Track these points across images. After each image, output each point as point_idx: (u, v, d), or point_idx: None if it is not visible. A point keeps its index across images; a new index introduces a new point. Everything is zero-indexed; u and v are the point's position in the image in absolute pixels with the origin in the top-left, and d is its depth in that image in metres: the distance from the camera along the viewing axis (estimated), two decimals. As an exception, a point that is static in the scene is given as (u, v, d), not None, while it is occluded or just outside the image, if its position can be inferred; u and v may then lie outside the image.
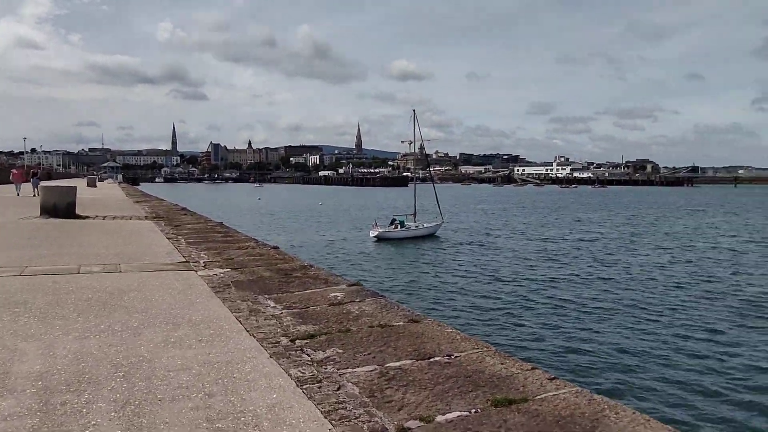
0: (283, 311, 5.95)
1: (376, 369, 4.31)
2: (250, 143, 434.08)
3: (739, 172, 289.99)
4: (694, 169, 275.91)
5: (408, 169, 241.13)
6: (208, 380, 3.94)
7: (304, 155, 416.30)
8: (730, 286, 24.64)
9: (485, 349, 4.90)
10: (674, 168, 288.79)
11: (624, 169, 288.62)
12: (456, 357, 4.64)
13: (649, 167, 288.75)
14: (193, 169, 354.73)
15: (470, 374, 4.27)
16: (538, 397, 3.92)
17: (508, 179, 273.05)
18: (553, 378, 4.40)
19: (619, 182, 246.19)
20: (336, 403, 3.65)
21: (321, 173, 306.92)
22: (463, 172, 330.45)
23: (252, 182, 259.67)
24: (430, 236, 44.27)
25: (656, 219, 65.45)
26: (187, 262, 9.06)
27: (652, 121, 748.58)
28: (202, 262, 9.05)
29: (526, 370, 4.45)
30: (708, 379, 13.50)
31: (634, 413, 3.96)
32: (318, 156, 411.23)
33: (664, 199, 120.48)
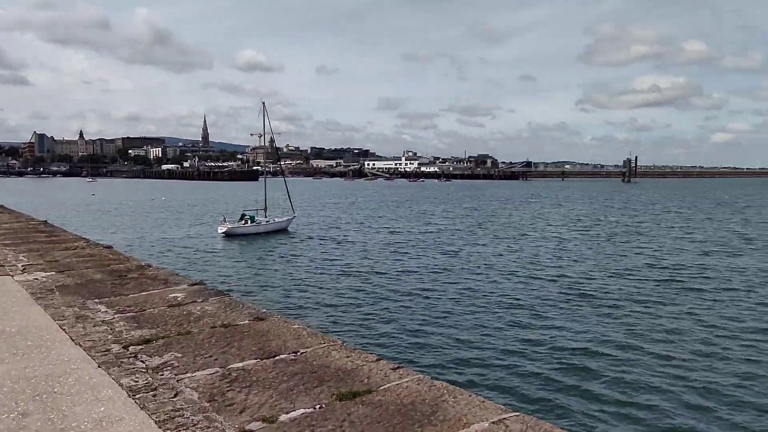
0: (116, 316, 5.52)
1: (217, 371, 4.13)
2: (81, 134, 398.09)
3: (566, 166, 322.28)
4: (528, 164, 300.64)
5: (258, 163, 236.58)
6: (24, 398, 3.53)
7: (145, 147, 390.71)
8: (557, 273, 27.16)
9: (331, 344, 4.91)
10: (511, 163, 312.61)
11: (467, 163, 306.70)
12: (302, 353, 4.60)
13: (489, 162, 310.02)
14: (14, 161, 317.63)
15: (316, 370, 4.25)
16: (382, 387, 4.00)
17: (359, 173, 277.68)
18: (397, 367, 4.52)
19: (462, 176, 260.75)
20: (172, 411, 3.44)
21: (164, 167, 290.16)
22: (314, 165, 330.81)
23: (84, 176, 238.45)
24: (282, 231, 43.80)
25: (494, 210, 70.39)
26: (1, 266, 8.07)
27: (491, 118, 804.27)
28: (20, 265, 8.12)
29: (371, 361, 4.52)
30: (537, 360, 14.76)
31: (470, 396, 4.19)
32: (160, 148, 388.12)
33: (502, 192, 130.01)
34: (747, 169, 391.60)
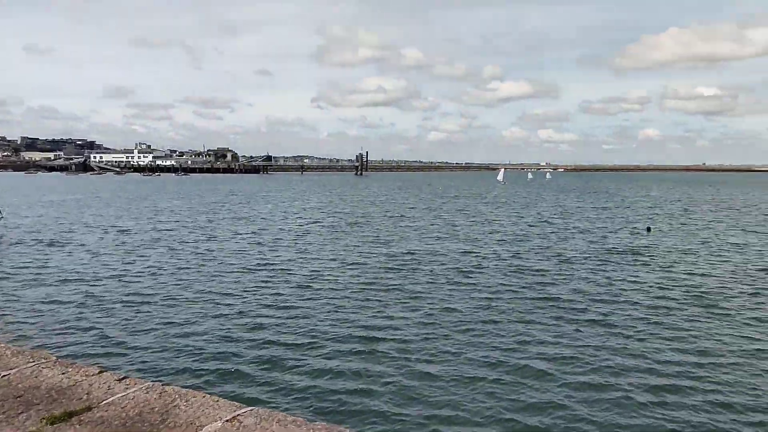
0: None
1: None
2: None
3: (305, 160, 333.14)
4: (269, 158, 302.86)
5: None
6: None
7: None
8: (294, 265, 28.01)
9: (43, 361, 4.39)
10: (251, 157, 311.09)
11: (206, 157, 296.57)
12: (4, 376, 4.03)
13: (229, 155, 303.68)
14: None
15: (22, 393, 3.76)
16: (105, 402, 3.73)
17: (84, 167, 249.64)
18: (123, 378, 4.25)
19: (201, 170, 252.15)
20: None
21: None
22: (27, 158, 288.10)
23: None
24: (-16, 235, 37.33)
25: (234, 205, 69.49)
26: None
27: (229, 111, 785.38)
28: None
29: (93, 375, 4.18)
30: (277, 353, 15.10)
31: (204, 397, 4.14)
32: None
33: (243, 186, 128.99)
34: (456, 163, 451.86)
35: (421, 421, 11.02)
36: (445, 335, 16.28)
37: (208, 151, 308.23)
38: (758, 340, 16.07)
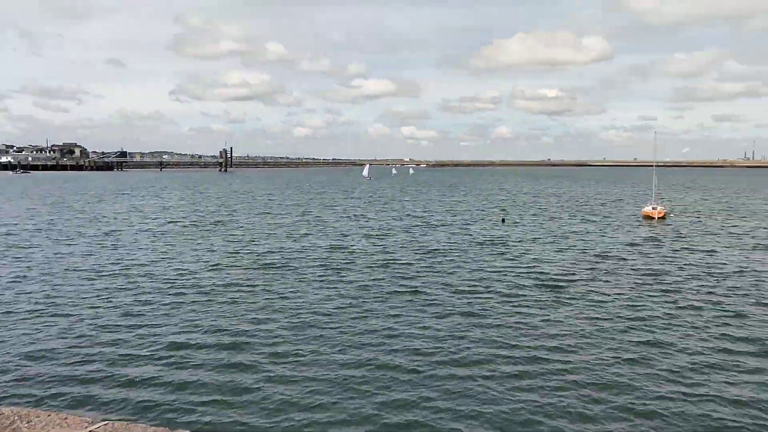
0: None
1: None
2: None
3: (164, 156, 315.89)
4: (123, 153, 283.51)
5: None
6: None
7: None
8: (151, 268, 26.58)
9: None
10: (103, 153, 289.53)
11: (50, 153, 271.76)
12: None
13: (77, 151, 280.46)
14: None
15: None
16: (-72, 431, 3.33)
17: None
18: (-49, 403, 3.82)
19: (45, 167, 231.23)
20: None
21: None
22: None
23: None
24: None
25: (83, 205, 64.31)
26: None
27: (77, 103, 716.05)
28: None
29: None
30: (134, 362, 14.29)
31: (49, 415, 3.84)
32: None
33: (93, 184, 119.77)
34: (323, 159, 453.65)
35: (292, 425, 10.91)
36: (315, 336, 16.10)
37: (52, 146, 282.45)
38: (597, 319, 17.83)
